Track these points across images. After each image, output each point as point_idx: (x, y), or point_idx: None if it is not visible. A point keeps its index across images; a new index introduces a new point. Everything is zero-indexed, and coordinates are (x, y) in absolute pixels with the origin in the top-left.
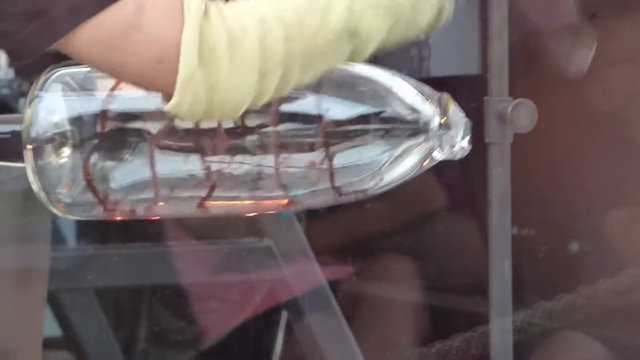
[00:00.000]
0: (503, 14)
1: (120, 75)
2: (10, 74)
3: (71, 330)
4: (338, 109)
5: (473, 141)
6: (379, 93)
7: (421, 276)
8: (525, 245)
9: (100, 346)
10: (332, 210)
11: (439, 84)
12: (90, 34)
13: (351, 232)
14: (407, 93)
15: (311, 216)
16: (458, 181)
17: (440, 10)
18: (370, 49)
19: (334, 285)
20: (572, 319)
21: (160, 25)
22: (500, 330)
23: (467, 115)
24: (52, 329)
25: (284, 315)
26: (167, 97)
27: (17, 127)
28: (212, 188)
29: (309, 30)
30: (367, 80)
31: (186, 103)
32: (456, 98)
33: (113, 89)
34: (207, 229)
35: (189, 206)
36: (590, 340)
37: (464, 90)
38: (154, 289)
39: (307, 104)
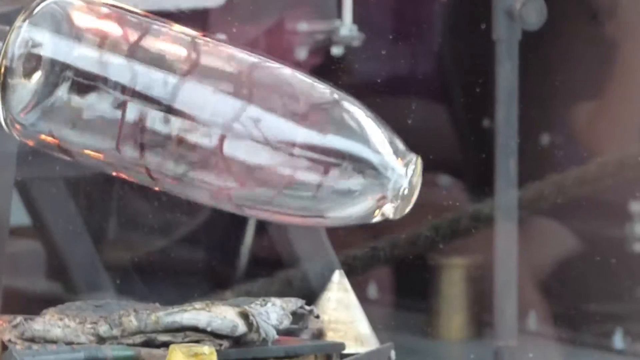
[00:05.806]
0: None
1: None
2: None
3: (40, 219)
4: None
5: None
6: (353, 128)
7: None
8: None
9: (70, 236)
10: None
11: None
12: None
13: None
14: (380, 141)
15: None
16: None
17: None
18: None
19: None
20: (540, 207)
21: None
22: None
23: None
24: (21, 217)
25: None
26: None
27: None
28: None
29: None
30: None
31: None
32: None
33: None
34: None
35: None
36: (560, 227)
37: None
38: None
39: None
